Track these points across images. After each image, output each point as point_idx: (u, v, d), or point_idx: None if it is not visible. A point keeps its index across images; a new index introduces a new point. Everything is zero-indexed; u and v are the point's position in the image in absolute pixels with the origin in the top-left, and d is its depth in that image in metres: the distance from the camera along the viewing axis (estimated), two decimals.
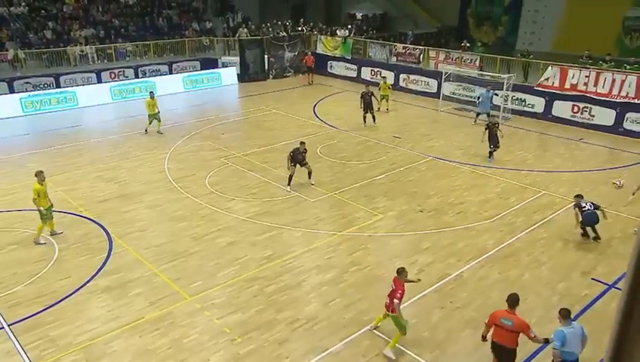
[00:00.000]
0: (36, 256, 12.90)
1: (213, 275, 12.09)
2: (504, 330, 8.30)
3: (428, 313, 10.82)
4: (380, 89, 25.39)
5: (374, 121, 23.07)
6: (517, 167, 18.60)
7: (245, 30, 34.19)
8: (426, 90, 28.64)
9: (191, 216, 14.90)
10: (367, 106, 22.75)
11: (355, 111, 25.44)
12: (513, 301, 8.42)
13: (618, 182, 14.11)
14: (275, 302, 11.15)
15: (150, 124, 22.08)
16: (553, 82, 23.93)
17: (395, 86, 29.82)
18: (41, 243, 13.39)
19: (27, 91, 26.37)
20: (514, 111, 24.80)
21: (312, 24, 36.54)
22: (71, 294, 11.40)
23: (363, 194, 16.25)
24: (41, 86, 27.25)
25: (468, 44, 30.41)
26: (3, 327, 10.41)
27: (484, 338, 8.71)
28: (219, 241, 13.56)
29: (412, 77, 29.55)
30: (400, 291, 9.37)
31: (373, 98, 23.05)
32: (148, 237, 13.82)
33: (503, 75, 24.13)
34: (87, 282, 11.84)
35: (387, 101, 25.72)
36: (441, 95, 26.43)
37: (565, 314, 8.27)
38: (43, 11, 30.86)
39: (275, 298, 11.27)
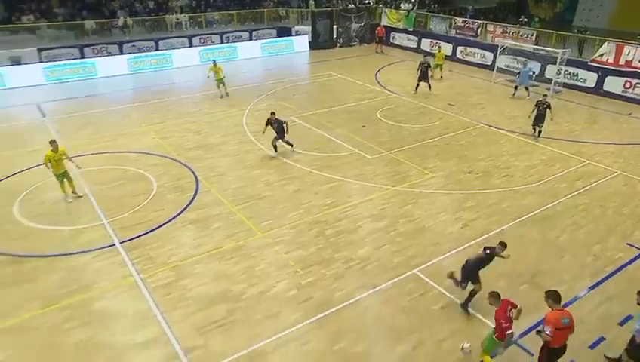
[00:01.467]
0: (138, 190, 13.55)
1: (281, 216, 12.35)
2: (566, 329, 7.07)
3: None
4: (435, 58, 24.51)
5: (430, 89, 22.34)
6: (564, 137, 17.61)
7: (312, 2, 33.54)
8: (482, 62, 27.33)
9: (264, 165, 15.15)
10: (423, 76, 22.03)
11: (413, 80, 24.75)
12: (559, 297, 7.14)
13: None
14: (333, 243, 11.31)
15: (219, 88, 21.98)
16: (607, 58, 22.17)
17: (452, 57, 28.65)
18: (69, 201, 13.05)
19: (133, 53, 27.21)
20: (566, 85, 23.31)
21: None
22: (165, 223, 12.01)
23: (416, 155, 15.95)
24: (144, 49, 28.00)
25: (525, 20, 28.54)
26: (115, 244, 11.17)
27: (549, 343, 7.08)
28: (287, 188, 13.77)
29: (469, 49, 28.22)
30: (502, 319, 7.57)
31: (429, 69, 22.26)
32: (227, 180, 14.20)
33: (557, 50, 22.60)
34: (178, 214, 12.40)
35: (441, 70, 24.96)
36: (496, 67, 25.16)
37: None
38: None
39: (334, 240, 11.42)
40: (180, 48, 28.67)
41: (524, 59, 24.66)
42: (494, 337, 7.67)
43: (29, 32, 26.04)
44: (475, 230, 11.88)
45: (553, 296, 7.09)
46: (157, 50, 28.21)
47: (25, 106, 20.60)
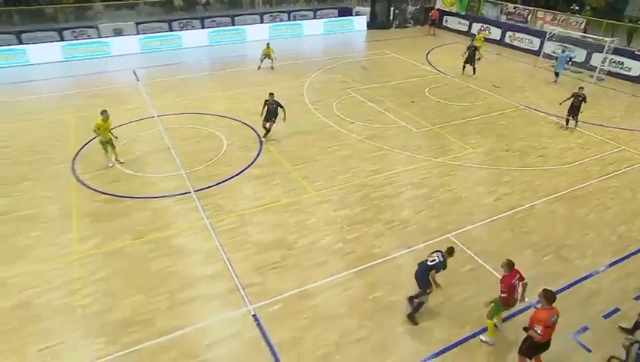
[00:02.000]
0: (211, 147, 13.91)
1: (332, 178, 12.37)
2: (553, 326, 6.58)
3: (498, 233, 10.36)
4: (475, 41, 23.07)
5: (474, 72, 21.18)
6: (602, 122, 16.36)
7: None
8: (529, 48, 25.47)
9: (319, 131, 15.10)
10: (470, 58, 20.86)
11: (460, 61, 23.59)
12: (553, 297, 6.51)
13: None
14: (377, 205, 11.25)
15: (262, 62, 21.65)
16: None
17: (500, 41, 26.92)
18: (109, 166, 12.74)
19: (212, 27, 27.40)
20: (610, 73, 21.40)
21: None
22: (232, 177, 12.34)
23: (459, 131, 15.35)
24: (222, 24, 28.07)
25: (577, 7, 26.15)
26: (190, 192, 11.64)
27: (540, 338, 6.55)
28: (338, 153, 13.71)
29: (517, 34, 26.32)
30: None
31: (476, 52, 21.03)
32: (287, 143, 14.29)
33: (605, 39, 20.69)
34: (244, 170, 12.68)
35: (479, 51, 23.37)
36: (542, 53, 23.43)
37: None
38: None
39: (377, 202, 11.35)
40: (252, 24, 28.56)
41: (565, 45, 22.75)
42: (500, 302, 7.45)
43: (129, 8, 26.74)
44: (508, 203, 11.43)
45: (547, 296, 6.47)
46: (233, 25, 28.24)
47: (123, 72, 21.41)
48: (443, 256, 7.81)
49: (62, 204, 11.13)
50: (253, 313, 8.12)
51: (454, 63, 23.02)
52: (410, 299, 8.25)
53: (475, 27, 28.78)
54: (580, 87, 15.64)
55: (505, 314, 8.02)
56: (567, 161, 13.55)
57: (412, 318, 8.07)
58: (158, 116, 16.15)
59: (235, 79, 20.36)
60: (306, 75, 20.97)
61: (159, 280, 8.86)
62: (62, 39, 24.07)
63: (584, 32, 22.72)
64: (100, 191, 11.64)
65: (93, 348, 7.47)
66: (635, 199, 11.76)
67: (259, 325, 7.89)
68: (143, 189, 11.76)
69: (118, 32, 25.21)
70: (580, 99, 15.13)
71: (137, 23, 25.84)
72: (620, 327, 7.98)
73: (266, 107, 14.02)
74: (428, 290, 7.86)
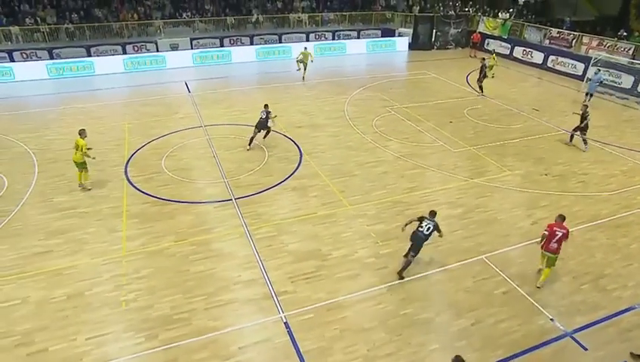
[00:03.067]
0: (253, 158, 14.15)
1: (368, 193, 12.28)
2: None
3: (534, 257, 9.87)
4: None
5: (481, 90, 20.84)
6: None
7: (417, 8, 32.13)
8: (572, 72, 24.49)
9: (358, 147, 15.07)
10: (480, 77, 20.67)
11: (501, 83, 23.08)
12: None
13: None
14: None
15: (299, 69, 22.67)
16: None
17: (542, 65, 26.11)
18: (80, 188, 12.12)
19: (261, 44, 28.15)
20: None
21: (477, 6, 32.92)
22: (272, 187, 12.49)
23: (496, 153, 14.91)
24: (270, 41, 28.82)
25: (625, 34, 25.02)
26: (231, 199, 11.87)
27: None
28: (376, 169, 13.62)
29: (560, 59, 25.44)
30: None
31: (484, 69, 20.64)
32: (326, 157, 14.35)
33: None
34: (283, 181, 12.81)
35: (491, 69, 23.28)
36: (586, 78, 22.46)
37: None
38: None
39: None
40: (298, 42, 29.11)
41: (606, 69, 21.78)
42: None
43: (185, 25, 27.98)
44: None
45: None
46: (280, 42, 28.92)
47: (177, 83, 22.31)
48: (432, 220, 9.02)
49: (114, 204, 11.62)
50: (284, 320, 8.11)
51: (493, 85, 22.52)
52: (406, 255, 9.23)
53: (518, 50, 28.08)
54: (583, 105, 15.56)
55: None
56: (610, 189, 12.85)
57: (401, 273, 9.13)
58: (205, 126, 16.65)
59: (280, 93, 20.73)
60: (347, 91, 21.08)
61: (198, 281, 9.03)
62: (124, 52, 25.44)
63: (632, 58, 21.66)
64: (149, 194, 12.07)
65: (134, 342, 7.68)
66: None
67: (289, 332, 7.87)
68: (187, 194, 12.10)
69: (175, 47, 26.39)
70: (582, 113, 15.10)
71: (192, 39, 26.95)
72: (632, 354, 7.53)
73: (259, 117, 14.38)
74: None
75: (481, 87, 20.93)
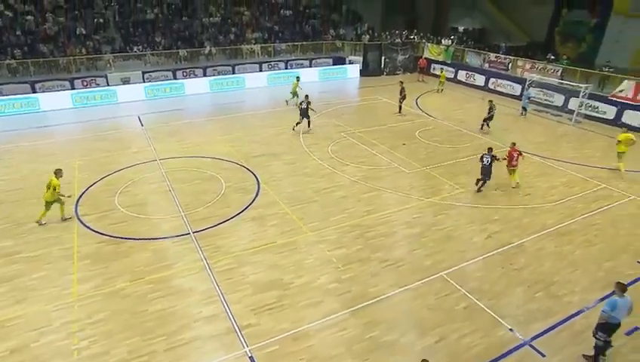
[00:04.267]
0: (211, 189, 13.94)
1: (327, 218, 12.34)
2: None
3: (491, 270, 10.26)
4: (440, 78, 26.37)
5: (400, 110, 22.40)
6: (583, 162, 16.60)
7: (366, 37, 33.51)
8: (511, 93, 26.19)
9: (315, 173, 15.20)
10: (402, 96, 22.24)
11: (448, 105, 24.26)
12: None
13: None
14: (371, 244, 11.18)
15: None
16: (627, 94, 20.79)
17: (485, 87, 27.76)
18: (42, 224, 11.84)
19: (214, 76, 28.15)
20: (587, 116, 21.95)
21: (421, 34, 34.75)
22: (230, 218, 12.29)
23: (449, 172, 15.50)
24: (223, 72, 28.89)
25: (553, 57, 27.20)
26: (189, 233, 11.56)
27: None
28: (334, 194, 13.75)
29: (500, 81, 27.18)
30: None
31: (403, 91, 22.14)
32: (283, 185, 14.34)
33: (581, 85, 21.42)
34: (241, 212, 12.65)
35: (441, 85, 27.17)
36: (523, 98, 24.03)
37: (621, 288, 7.54)
38: (229, 20, 32.39)
39: (372, 242, 11.29)
40: (251, 72, 29.40)
41: (538, 88, 23.88)
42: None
43: (137, 58, 27.57)
44: (498, 241, 11.39)
45: None
46: (233, 73, 29.06)
47: (129, 117, 21.78)
48: (489, 154, 13.76)
49: (64, 245, 11.01)
50: (249, 354, 7.88)
51: (442, 107, 23.62)
52: (477, 182, 13.93)
53: (461, 74, 29.72)
54: (489, 100, 19.92)
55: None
56: (553, 199, 13.63)
57: (479, 189, 14.04)
58: (160, 160, 16.28)
59: (235, 124, 20.70)
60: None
61: (157, 321, 8.63)
62: (72, 87, 24.63)
63: (561, 79, 23.46)
64: (102, 233, 11.54)
65: None
66: (619, 236, 11.76)
67: None
68: (143, 231, 11.67)
69: (126, 81, 25.86)
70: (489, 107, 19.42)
71: (144, 72, 26.55)
72: (584, 356, 7.94)
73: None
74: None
75: (400, 107, 22.48)
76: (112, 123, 20.88)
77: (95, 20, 28.34)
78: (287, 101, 23.49)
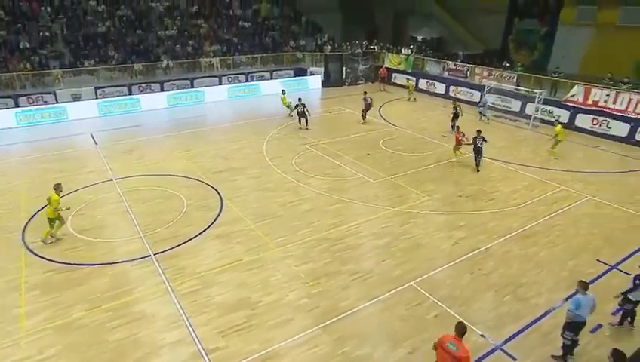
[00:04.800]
0: (171, 208, 13.58)
1: (293, 233, 12.27)
2: (448, 355, 6.55)
3: (460, 276, 10.48)
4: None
5: (363, 119, 23.05)
6: (541, 165, 17.39)
7: (327, 47, 33.98)
8: (470, 100, 27.20)
9: (280, 187, 15.11)
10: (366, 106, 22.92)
11: (411, 114, 24.87)
12: (461, 330, 6.67)
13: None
14: (339, 257, 11.18)
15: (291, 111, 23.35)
16: (578, 98, 22.07)
17: (446, 95, 28.71)
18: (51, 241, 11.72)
19: (172, 90, 27.63)
20: (542, 121, 23.07)
21: (381, 44, 35.61)
22: (193, 238, 11.99)
23: (415, 180, 15.81)
24: (181, 86, 28.42)
25: (508, 64, 28.53)
26: (150, 256, 11.16)
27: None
28: (299, 208, 13.71)
29: (459, 88, 28.20)
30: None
31: (370, 102, 22.89)
32: (248, 200, 14.17)
33: (535, 90, 22.57)
34: (205, 230, 12.38)
35: (411, 94, 28.05)
36: (480, 104, 25.04)
37: (584, 286, 7.91)
38: (186, 32, 32.00)
39: (340, 254, 11.30)
40: (211, 86, 29.09)
41: (499, 95, 25.06)
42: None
43: (89, 74, 26.66)
44: (465, 247, 11.68)
45: (459, 329, 6.66)
46: (192, 87, 28.63)
47: (81, 136, 20.96)
48: (481, 137, 16.39)
49: (10, 276, 10.35)
50: None
51: (405, 116, 24.18)
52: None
53: (422, 82, 30.58)
54: (454, 102, 22.08)
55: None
56: (516, 203, 14.16)
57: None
58: (116, 179, 15.73)
59: (195, 139, 20.34)
60: (265, 132, 21.27)
61: (118, 351, 8.23)
62: (16, 105, 23.49)
63: (517, 85, 24.61)
64: (52, 261, 10.95)
65: None
66: (579, 235, 12.34)
67: None
68: (100, 255, 11.18)
69: (77, 97, 24.93)
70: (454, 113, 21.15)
71: (96, 88, 25.70)
72: (553, 356, 8.25)
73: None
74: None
75: (364, 116, 23.18)
76: (63, 142, 20.02)
77: (41, 34, 27.25)
78: (290, 115, 23.48)
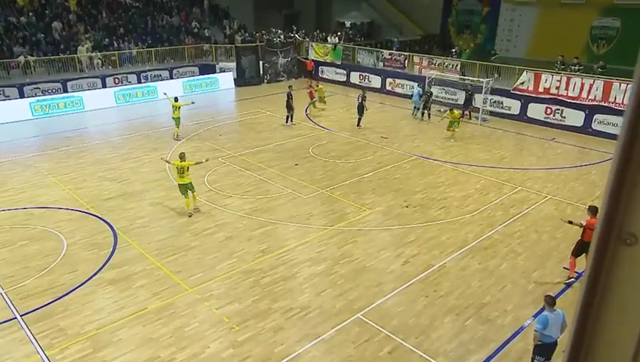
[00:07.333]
0: (45, 250, 12.75)
1: (212, 268, 12.02)
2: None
3: (413, 301, 10.83)
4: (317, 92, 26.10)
5: (358, 124, 23.20)
6: (495, 165, 18.65)
7: (239, 38, 33.99)
8: (410, 93, 28.47)
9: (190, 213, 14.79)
10: (360, 109, 22.96)
11: (344, 114, 25.51)
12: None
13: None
14: (271, 292, 11.10)
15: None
16: (528, 86, 24.05)
17: (382, 89, 29.87)
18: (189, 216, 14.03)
19: (36, 96, 26.06)
20: (492, 113, 24.83)
21: (304, 31, 36.36)
22: (78, 286, 11.29)
23: (352, 191, 16.21)
24: (50, 91, 26.93)
25: (454, 52, 30.42)
26: (15, 318, 10.30)
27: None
28: (217, 236, 13.48)
29: (397, 81, 29.53)
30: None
31: (364, 102, 23.03)
32: (150, 232, 13.71)
33: (482, 79, 24.23)
34: (94, 275, 11.73)
35: (322, 100, 26.48)
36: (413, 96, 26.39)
37: (550, 302, 8.36)
38: (49, 14, 30.29)
39: (271, 289, 11.22)
40: (91, 90, 27.85)
41: (443, 87, 26.66)
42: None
43: None
44: (417, 266, 12.12)
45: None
46: (65, 92, 27.21)
47: None
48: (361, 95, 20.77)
49: None
50: None
51: (337, 117, 24.80)
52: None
53: (354, 76, 31.62)
54: (361, 92, 23.39)
55: None
56: (470, 210, 15.01)
57: None
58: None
59: (75, 158, 19.35)
60: (167, 145, 20.74)
61: None
62: None
63: (463, 75, 26.29)
64: None
65: None
66: (541, 241, 13.34)
67: None
68: None
69: None
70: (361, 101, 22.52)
71: None
72: None
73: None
74: None
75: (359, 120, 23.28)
76: None
77: None
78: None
